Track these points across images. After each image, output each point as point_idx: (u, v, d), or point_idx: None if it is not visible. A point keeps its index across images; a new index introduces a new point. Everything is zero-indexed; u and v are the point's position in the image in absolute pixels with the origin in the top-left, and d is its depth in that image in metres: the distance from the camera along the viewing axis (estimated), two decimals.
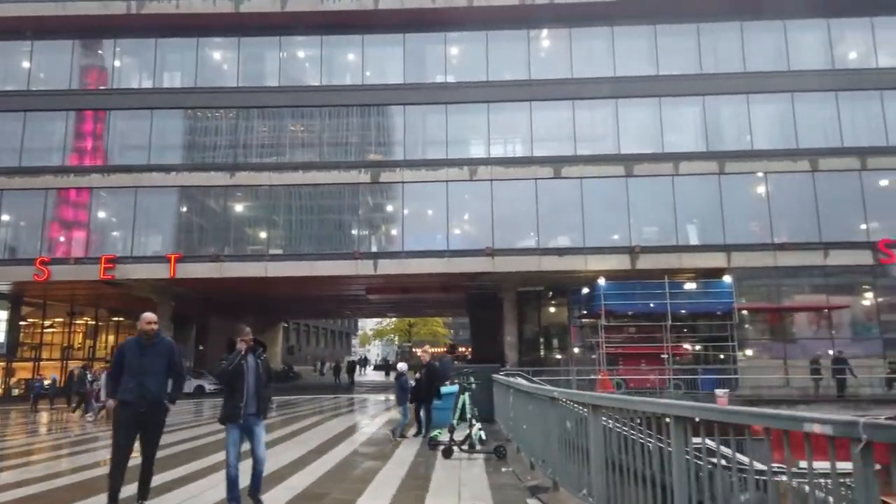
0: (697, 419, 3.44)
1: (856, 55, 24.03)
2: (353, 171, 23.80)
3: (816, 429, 2.35)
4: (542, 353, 27.96)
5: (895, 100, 23.28)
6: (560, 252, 23.32)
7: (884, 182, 23.14)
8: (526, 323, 28.02)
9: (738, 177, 23.26)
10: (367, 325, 60.47)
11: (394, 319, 52.54)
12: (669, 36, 24.22)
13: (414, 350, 51.37)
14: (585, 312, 24.36)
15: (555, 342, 28.27)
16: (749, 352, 23.67)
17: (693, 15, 23.82)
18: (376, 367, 54.42)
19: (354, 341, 60.24)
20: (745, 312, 23.30)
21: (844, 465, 2.32)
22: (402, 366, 13.26)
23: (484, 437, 9.13)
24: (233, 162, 23.99)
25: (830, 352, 22.07)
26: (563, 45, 24.65)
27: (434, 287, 28.28)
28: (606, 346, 22.29)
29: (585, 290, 23.84)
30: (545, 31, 25.03)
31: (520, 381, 10.41)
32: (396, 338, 54.96)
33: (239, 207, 24.57)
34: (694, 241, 23.63)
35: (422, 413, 10.90)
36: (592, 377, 21.50)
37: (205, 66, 25.15)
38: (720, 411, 3.29)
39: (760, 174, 23.33)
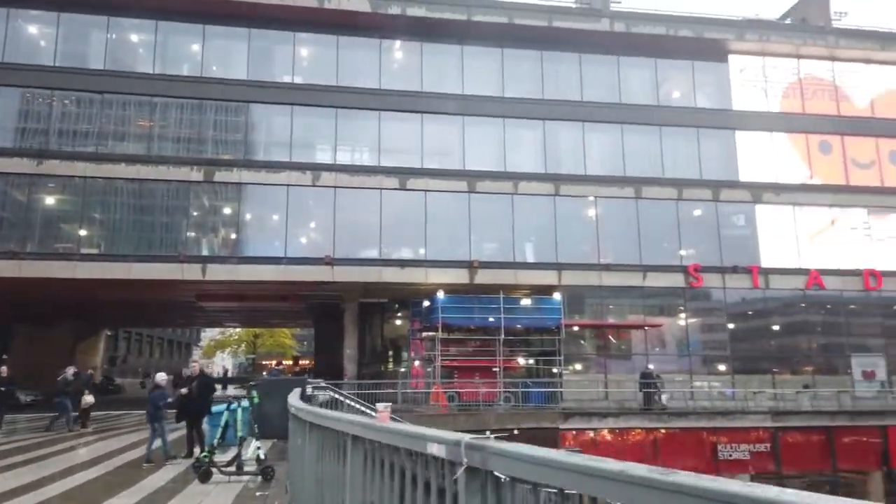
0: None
1: (678, 94, 26.89)
2: (185, 168, 22.76)
3: (434, 449, 2.24)
4: (383, 366, 28.21)
5: (709, 137, 26.32)
6: (402, 264, 23.77)
7: (697, 212, 25.99)
8: (369, 335, 28.19)
9: (572, 199, 25.09)
10: (212, 334, 57.68)
11: (239, 330, 50.48)
12: (515, 60, 25.74)
13: (263, 363, 49.71)
14: (425, 325, 24.96)
15: (398, 355, 28.65)
16: (578, 366, 25.50)
17: (537, 42, 25.48)
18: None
19: (196, 352, 57.10)
20: (575, 328, 25.07)
21: None
22: (160, 376, 11.81)
23: (263, 455, 9.00)
24: (41, 148, 21.97)
25: (651, 366, 24.37)
26: (414, 59, 25.33)
27: (271, 296, 27.63)
28: (443, 359, 22.96)
29: (426, 303, 24.43)
30: (398, 43, 25.58)
31: (319, 396, 10.43)
32: (242, 348, 52.85)
33: (48, 200, 22.55)
34: (530, 258, 25.11)
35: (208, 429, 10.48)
36: (428, 390, 22.06)
37: (17, 39, 22.91)
38: (363, 427, 3.35)
39: (591, 198, 25.33)
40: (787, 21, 28.31)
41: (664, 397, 22.14)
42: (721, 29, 26.16)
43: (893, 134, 27.01)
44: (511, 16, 24.86)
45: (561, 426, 19.23)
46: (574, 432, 19.84)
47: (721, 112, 26.37)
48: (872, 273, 25.49)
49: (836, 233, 26.17)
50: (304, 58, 25.49)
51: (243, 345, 51.89)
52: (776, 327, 26.76)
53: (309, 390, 12.16)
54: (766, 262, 25.43)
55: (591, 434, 20.10)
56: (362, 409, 11.40)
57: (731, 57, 26.69)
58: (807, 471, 21.48)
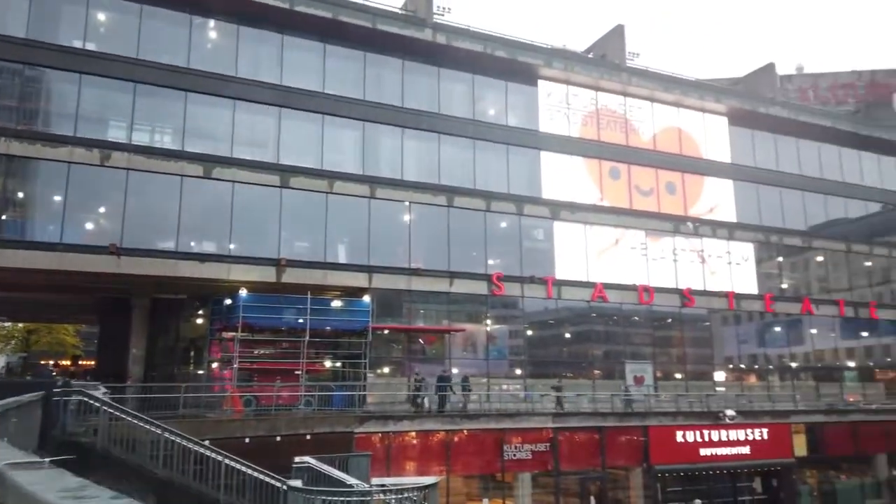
0: None
1: (493, 111, 28.44)
2: None
3: None
4: (179, 368, 26.31)
5: (517, 155, 28.17)
6: (202, 258, 22.42)
7: (503, 224, 27.65)
8: (163, 334, 26.20)
9: (387, 203, 25.42)
10: None
11: (8, 324, 44.17)
12: (339, 58, 25.54)
13: (41, 362, 43.84)
14: (225, 325, 23.73)
15: (198, 356, 26.90)
16: (385, 369, 25.84)
17: (362, 43, 25.53)
18: None
19: None
20: (383, 332, 25.38)
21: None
22: None
23: None
24: None
25: (456, 371, 25.40)
26: (229, 41, 24.12)
27: (46, 286, 24.57)
28: (242, 362, 21.98)
29: (228, 301, 23.24)
30: (211, 22, 24.16)
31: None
32: (12, 345, 46.24)
33: None
34: (342, 259, 24.98)
35: None
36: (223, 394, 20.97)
37: None
38: None
39: (406, 203, 25.85)
40: (590, 55, 31.25)
41: (454, 399, 23.09)
42: (532, 54, 28.18)
43: (669, 166, 30.96)
44: (336, 12, 24.59)
45: (356, 430, 19.32)
46: (371, 436, 20.03)
47: (529, 132, 28.38)
48: (646, 289, 28.93)
49: (619, 251, 29.35)
50: (101, 23, 23.08)
51: (13, 341, 45.43)
52: (567, 335, 29.38)
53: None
54: (560, 275, 27.74)
55: (385, 437, 20.43)
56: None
57: (540, 81, 28.88)
58: (581, 468, 23.72)
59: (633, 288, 28.87)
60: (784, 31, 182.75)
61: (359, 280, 24.34)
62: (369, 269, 24.52)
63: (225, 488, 10.70)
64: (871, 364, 35.72)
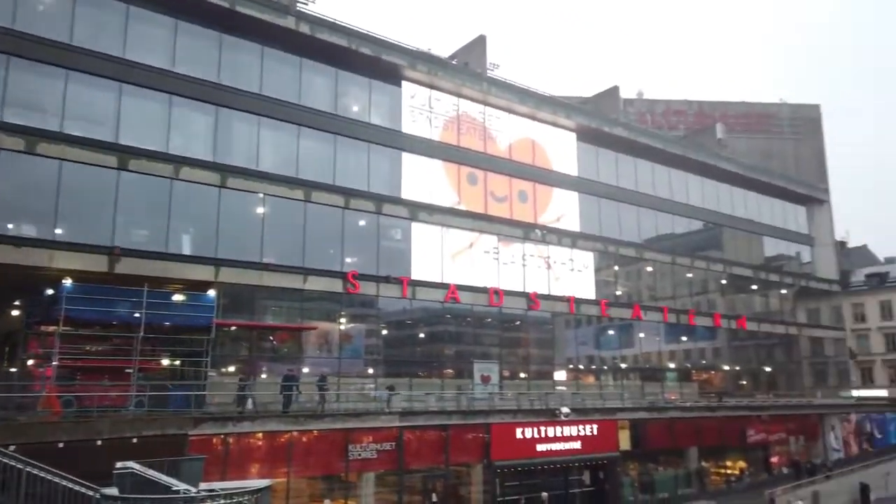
0: None
1: (356, 108, 28.21)
2: None
3: None
4: None
5: (378, 153, 28.18)
6: (18, 242, 20.08)
7: (361, 222, 27.50)
8: None
9: (239, 193, 24.33)
10: None
11: None
12: (192, 36, 24.08)
13: None
14: (46, 318, 21.39)
15: (10, 352, 24.00)
16: (231, 368, 24.66)
17: (218, 23, 24.25)
18: None
19: None
20: (230, 329, 24.22)
21: None
22: None
23: None
24: None
25: (307, 370, 24.81)
26: (64, 6, 21.80)
27: None
28: (64, 359, 19.91)
29: (49, 292, 20.96)
30: None
31: None
32: None
33: None
34: (186, 250, 23.53)
35: None
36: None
37: None
38: None
39: (261, 195, 24.89)
40: (454, 62, 32.03)
41: (303, 399, 22.63)
42: (397, 55, 28.33)
43: (523, 176, 32.53)
44: None
45: (191, 432, 18.26)
46: (208, 438, 19.05)
47: (391, 132, 28.50)
48: (497, 291, 30.13)
49: (473, 254, 30.35)
50: None
51: None
52: (421, 335, 29.84)
53: None
54: (416, 275, 28.12)
55: (224, 439, 19.55)
56: None
57: (404, 83, 29.14)
58: (426, 466, 24.19)
59: (484, 290, 29.95)
60: (630, 55, 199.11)
61: (204, 273, 23.05)
62: (217, 263, 23.31)
63: (28, 499, 9.64)
64: (689, 366, 39.84)
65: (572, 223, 34.18)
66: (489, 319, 30.94)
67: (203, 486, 10.68)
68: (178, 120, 23.69)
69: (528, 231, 32.25)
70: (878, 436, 44.23)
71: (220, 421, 19.32)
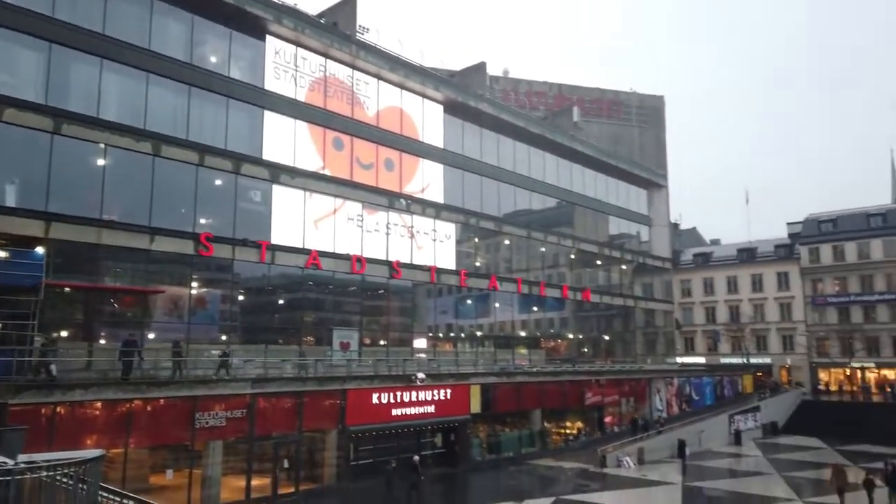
0: None
1: (215, 59, 26.45)
2: None
3: None
4: None
5: (239, 110, 26.73)
6: None
7: (217, 181, 26.05)
8: None
9: (76, 142, 22.04)
10: None
11: None
12: None
13: None
14: None
15: None
16: (64, 332, 22.55)
17: None
18: None
19: None
20: (64, 290, 22.11)
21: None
22: None
23: None
24: None
25: (153, 335, 23.24)
26: None
27: None
28: None
29: None
30: None
31: None
32: None
33: None
34: (10, 202, 21.02)
35: None
36: None
37: None
38: None
39: (102, 145, 22.75)
40: (322, 20, 30.93)
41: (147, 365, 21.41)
42: (262, 7, 26.81)
43: (390, 144, 32.43)
44: None
45: (11, 401, 16.58)
46: (34, 407, 17.39)
47: (253, 88, 27.11)
48: (359, 259, 30.01)
49: (336, 221, 29.91)
50: None
51: None
52: (280, 301, 29.00)
53: None
54: (275, 239, 27.23)
55: (53, 409, 17.95)
56: None
57: (268, 37, 27.74)
58: (277, 433, 23.80)
59: (347, 258, 29.71)
60: (499, 32, 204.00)
61: (32, 228, 20.78)
62: (47, 217, 21.09)
63: None
64: (538, 334, 42.29)
65: (436, 194, 34.71)
66: (351, 287, 30.78)
67: (22, 457, 9.68)
68: (2, 55, 20.92)
69: (393, 200, 32.31)
70: (696, 398, 49.82)
71: (46, 389, 17.66)
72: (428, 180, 34.39)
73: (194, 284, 25.45)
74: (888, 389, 52.04)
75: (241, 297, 27.04)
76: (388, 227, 32.09)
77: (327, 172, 29.67)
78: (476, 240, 37.83)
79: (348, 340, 29.59)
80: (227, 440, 22.39)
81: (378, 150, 32.02)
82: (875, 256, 59.10)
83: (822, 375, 60.47)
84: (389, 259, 31.64)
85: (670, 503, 24.51)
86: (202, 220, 25.28)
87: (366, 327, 31.14)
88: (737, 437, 41.98)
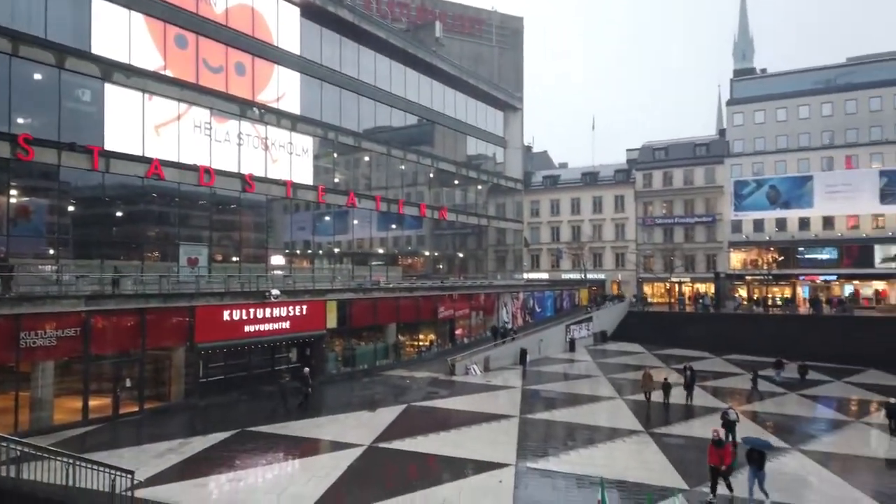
0: None
1: None
2: None
3: None
4: None
5: None
6: None
7: (37, 76, 22.84)
8: None
9: None
10: None
11: None
12: None
13: None
14: None
15: None
16: None
17: None
18: None
19: None
20: None
21: None
22: None
23: None
24: None
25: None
26: None
27: None
28: None
29: None
30: None
31: None
32: None
33: None
34: None
35: None
36: None
37: None
38: None
39: None
40: None
41: None
42: None
43: (241, 47, 30.09)
44: None
45: None
46: None
47: None
48: (208, 170, 28.19)
49: (182, 128, 27.63)
50: None
51: None
52: (119, 213, 26.62)
53: None
54: (109, 145, 24.73)
55: None
56: None
57: None
58: (118, 352, 22.51)
59: (194, 168, 27.78)
60: None
61: None
62: None
63: None
64: (396, 251, 42.88)
65: (293, 105, 33.08)
66: (200, 200, 28.95)
67: None
68: None
69: (245, 108, 30.34)
70: (538, 310, 53.76)
71: None
72: (284, 89, 32.57)
73: (14, 192, 22.62)
74: (700, 301, 59.42)
75: (71, 208, 24.47)
76: (240, 138, 30.26)
77: (169, 73, 27.07)
78: (335, 155, 36.89)
79: (196, 256, 28.16)
80: (60, 360, 20.82)
81: (228, 52, 29.62)
82: (697, 182, 65.75)
83: (647, 289, 67.62)
84: (242, 172, 30.06)
85: (511, 404, 26.66)
86: (20, 120, 22.25)
87: (217, 243, 29.72)
88: (572, 345, 46.19)
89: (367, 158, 39.29)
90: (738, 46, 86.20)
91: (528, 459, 18.59)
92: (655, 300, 65.84)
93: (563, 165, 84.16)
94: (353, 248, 38.85)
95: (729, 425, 20.66)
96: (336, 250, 37.65)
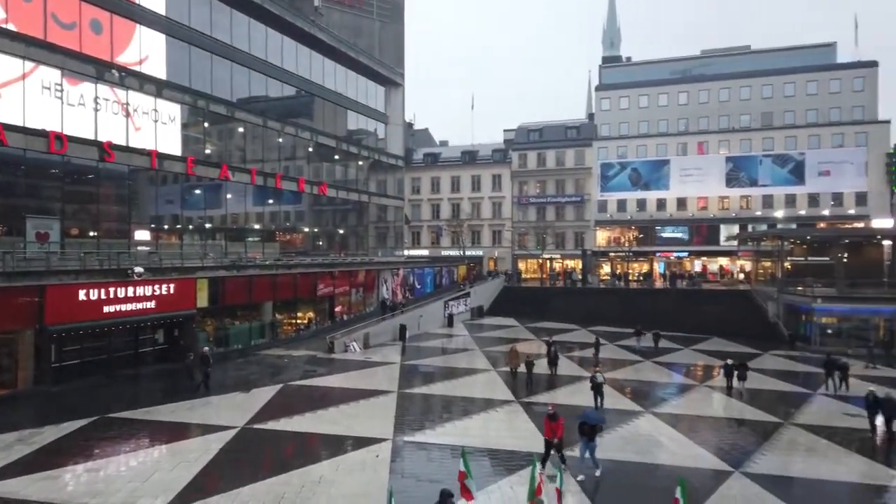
0: None
1: None
2: None
3: None
4: None
5: None
6: None
7: None
8: None
9: None
10: None
11: None
12: None
13: None
14: None
15: None
16: None
17: None
18: None
19: None
20: None
21: None
22: None
23: None
24: None
25: None
26: None
27: None
28: None
29: None
30: None
31: None
32: None
33: None
34: None
35: None
36: None
37: None
38: None
39: None
40: None
41: None
42: None
43: (96, 2, 27.41)
44: None
45: None
46: None
47: None
48: (59, 136, 25.63)
49: (27, 88, 24.85)
50: None
51: None
52: None
53: None
54: None
55: None
56: None
57: None
58: None
59: (42, 134, 25.14)
60: None
61: None
62: None
63: None
64: (274, 227, 41.45)
65: (158, 69, 30.73)
66: (51, 169, 26.27)
67: None
68: None
69: (103, 70, 27.79)
70: (418, 286, 54.40)
71: None
72: (147, 52, 30.15)
73: None
74: (569, 276, 62.82)
75: None
76: (97, 102, 27.72)
77: (12, 28, 24.18)
78: (206, 125, 34.82)
79: (47, 231, 25.63)
80: None
81: (81, 7, 26.89)
82: (568, 164, 69.07)
83: (521, 265, 70.45)
84: (99, 139, 27.61)
85: (389, 380, 26.92)
86: None
87: (71, 216, 27.20)
88: (450, 320, 47.26)
89: (241, 130, 37.46)
90: (606, 34, 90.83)
91: (406, 433, 18.93)
92: (529, 276, 68.79)
93: (444, 143, 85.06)
94: (227, 224, 37.10)
95: (597, 387, 22.47)
96: (208, 225, 35.76)
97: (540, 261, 69.12)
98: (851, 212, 61.64)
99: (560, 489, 12.20)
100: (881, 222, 59.10)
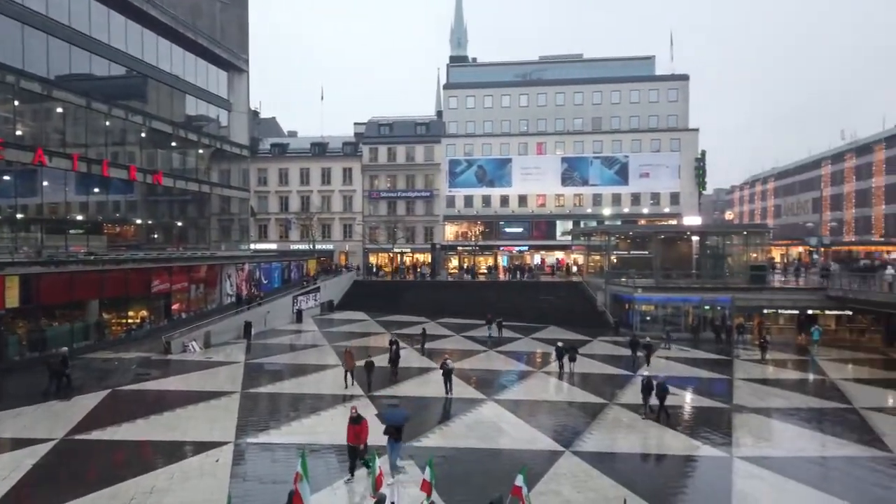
0: None
1: None
2: None
3: None
4: None
5: None
6: None
7: None
8: None
9: None
10: None
11: None
12: None
13: None
14: None
15: None
16: None
17: None
18: None
19: None
20: None
21: None
22: None
23: None
24: None
25: None
26: None
27: None
28: None
29: None
30: None
31: None
32: None
33: None
34: None
35: None
36: None
37: None
38: None
39: None
40: None
41: None
42: None
43: None
44: None
45: None
46: None
47: None
48: None
49: None
50: None
51: None
52: None
53: None
54: None
55: None
56: None
57: None
58: None
59: None
60: None
61: None
62: None
63: None
64: (101, 218, 37.72)
65: None
66: None
67: None
68: None
69: None
70: (265, 281, 52.37)
71: None
72: None
73: None
74: (418, 270, 63.86)
75: None
76: None
77: None
78: (16, 103, 30.80)
79: None
80: None
81: None
82: (418, 159, 70.16)
83: (372, 259, 70.48)
84: None
85: (232, 380, 25.72)
86: None
87: None
88: (299, 316, 46.11)
89: (60, 110, 33.58)
90: (454, 34, 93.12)
91: (249, 435, 18.24)
92: (381, 269, 69.00)
93: (293, 134, 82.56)
94: (43, 214, 33.15)
95: (447, 374, 23.33)
96: (20, 216, 31.70)
97: (391, 255, 69.58)
98: (667, 210, 68.88)
99: (381, 475, 12.42)
100: (691, 220, 66.79)
